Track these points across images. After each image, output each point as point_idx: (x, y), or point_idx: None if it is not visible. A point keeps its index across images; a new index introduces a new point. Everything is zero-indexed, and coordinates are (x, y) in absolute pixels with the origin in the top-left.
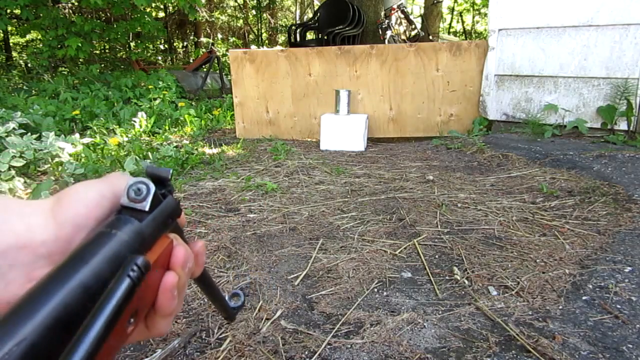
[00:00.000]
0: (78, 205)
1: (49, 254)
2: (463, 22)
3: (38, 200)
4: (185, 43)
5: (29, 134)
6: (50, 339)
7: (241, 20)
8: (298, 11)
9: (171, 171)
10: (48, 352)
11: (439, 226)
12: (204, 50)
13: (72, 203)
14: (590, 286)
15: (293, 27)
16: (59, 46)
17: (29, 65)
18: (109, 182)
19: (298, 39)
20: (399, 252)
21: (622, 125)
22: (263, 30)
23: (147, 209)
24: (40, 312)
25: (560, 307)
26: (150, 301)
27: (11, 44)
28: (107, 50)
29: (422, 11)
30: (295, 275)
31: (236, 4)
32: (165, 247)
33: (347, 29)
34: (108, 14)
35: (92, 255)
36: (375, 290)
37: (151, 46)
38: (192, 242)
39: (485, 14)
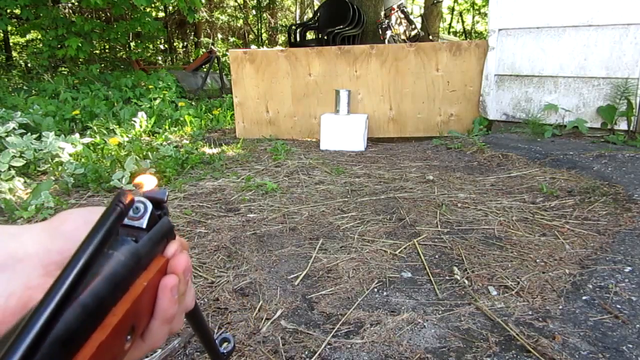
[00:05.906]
0: (66, 221)
1: (43, 265)
2: (463, 22)
3: (31, 224)
4: (185, 43)
5: (29, 134)
6: (49, 356)
7: (241, 20)
8: (298, 11)
9: (167, 193)
10: None
11: (439, 226)
12: (204, 50)
13: (61, 218)
14: (590, 286)
15: (293, 27)
16: (59, 46)
17: (29, 65)
18: (99, 208)
19: (298, 39)
20: (399, 252)
21: (622, 125)
22: (263, 30)
23: (144, 226)
24: (39, 331)
25: (560, 307)
26: (146, 319)
27: (11, 44)
28: (107, 50)
29: (422, 11)
30: (295, 275)
31: (236, 4)
32: (160, 267)
33: (347, 29)
34: (108, 14)
35: (92, 276)
36: (375, 290)
37: (151, 46)
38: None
39: (485, 14)
